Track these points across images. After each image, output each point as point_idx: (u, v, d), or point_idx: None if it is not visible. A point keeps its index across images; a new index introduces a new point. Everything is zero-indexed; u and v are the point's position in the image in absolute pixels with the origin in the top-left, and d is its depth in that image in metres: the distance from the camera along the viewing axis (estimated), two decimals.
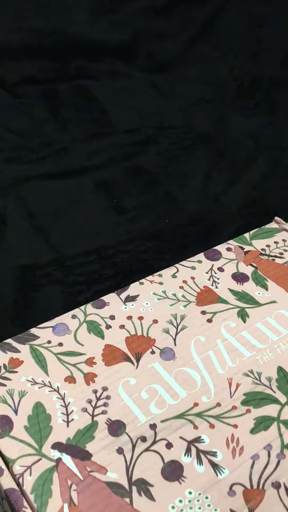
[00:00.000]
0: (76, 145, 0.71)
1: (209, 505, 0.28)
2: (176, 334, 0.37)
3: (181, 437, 0.31)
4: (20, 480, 0.29)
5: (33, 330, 0.37)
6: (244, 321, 0.38)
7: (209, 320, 0.38)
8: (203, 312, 0.39)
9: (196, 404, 0.33)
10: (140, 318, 0.38)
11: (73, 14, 0.86)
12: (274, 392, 0.34)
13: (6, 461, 0.29)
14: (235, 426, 0.32)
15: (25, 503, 0.28)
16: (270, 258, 0.44)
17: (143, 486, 0.29)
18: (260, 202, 0.66)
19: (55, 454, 0.30)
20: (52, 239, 0.57)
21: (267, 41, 0.92)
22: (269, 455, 0.31)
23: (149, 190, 0.66)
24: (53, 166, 0.67)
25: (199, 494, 0.29)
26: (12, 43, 0.80)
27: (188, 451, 0.31)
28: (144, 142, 0.73)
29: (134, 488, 0.29)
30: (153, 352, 0.36)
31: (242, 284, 0.41)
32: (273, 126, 0.79)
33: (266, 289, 0.41)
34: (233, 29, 0.93)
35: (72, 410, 0.32)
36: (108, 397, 0.33)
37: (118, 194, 0.64)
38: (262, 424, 0.32)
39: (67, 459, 0.30)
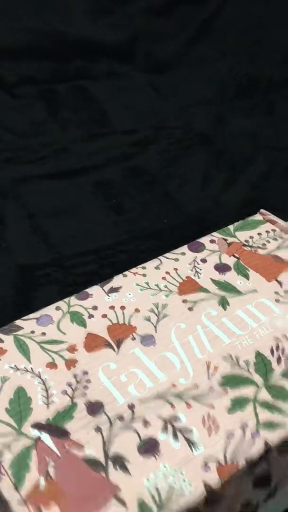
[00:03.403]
0: (75, 145, 0.71)
1: (184, 480, 0.29)
2: (157, 322, 0.38)
3: (158, 416, 0.32)
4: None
5: (18, 322, 0.38)
6: (225, 309, 0.39)
7: (190, 309, 0.39)
8: (185, 301, 0.39)
9: (174, 386, 0.34)
10: (122, 307, 0.39)
11: (72, 14, 0.86)
12: (252, 375, 0.34)
13: None
14: (212, 406, 0.33)
15: (3, 471, 0.29)
16: (253, 249, 0.44)
17: (119, 461, 0.30)
18: (259, 202, 0.66)
19: (34, 433, 0.31)
20: (51, 239, 0.57)
21: (266, 41, 0.93)
22: (244, 433, 0.31)
23: (148, 190, 0.66)
24: (52, 166, 0.67)
25: (174, 470, 0.29)
26: (11, 43, 0.81)
27: (164, 429, 0.31)
28: (143, 142, 0.73)
29: (110, 463, 0.29)
30: (133, 339, 0.36)
31: (224, 274, 0.42)
32: (272, 126, 0.79)
33: (248, 279, 0.41)
34: (232, 30, 0.93)
35: (53, 393, 0.33)
36: (88, 381, 0.34)
37: (117, 194, 0.64)
38: (238, 404, 0.33)
39: (45, 437, 0.30)
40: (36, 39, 0.81)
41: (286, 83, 0.87)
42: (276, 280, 0.41)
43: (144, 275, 0.41)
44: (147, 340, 0.36)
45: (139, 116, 0.77)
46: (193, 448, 0.30)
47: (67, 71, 0.82)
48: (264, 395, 0.33)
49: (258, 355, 0.36)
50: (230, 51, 0.90)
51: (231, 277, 0.42)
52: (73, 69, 0.82)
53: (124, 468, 0.29)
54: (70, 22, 0.85)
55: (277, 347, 0.36)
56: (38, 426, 0.31)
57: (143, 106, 0.79)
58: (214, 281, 0.41)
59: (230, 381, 0.34)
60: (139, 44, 0.87)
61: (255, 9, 0.96)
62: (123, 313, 0.38)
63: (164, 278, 0.41)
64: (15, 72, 0.79)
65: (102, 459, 0.29)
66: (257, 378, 0.34)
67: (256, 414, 0.32)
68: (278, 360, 0.36)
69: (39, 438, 0.30)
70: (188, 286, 0.41)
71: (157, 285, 0.41)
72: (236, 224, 0.47)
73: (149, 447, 0.30)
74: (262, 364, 0.35)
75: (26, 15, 0.83)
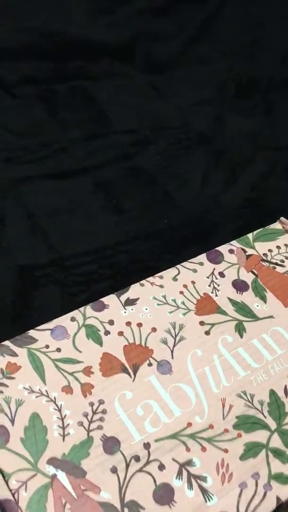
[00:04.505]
0: (75, 145, 0.71)
1: None
2: (174, 345, 0.37)
3: (173, 459, 0.31)
4: (16, 495, 0.29)
5: (31, 333, 0.36)
6: (241, 336, 0.38)
7: (207, 332, 0.38)
8: (202, 323, 0.39)
9: (189, 424, 0.33)
10: (139, 325, 0.38)
11: (72, 14, 0.86)
12: (265, 417, 0.34)
13: (2, 473, 0.29)
14: (226, 450, 0.32)
15: None
16: (271, 265, 0.44)
17: (135, 508, 0.29)
18: (258, 203, 0.66)
19: (51, 470, 0.30)
20: (51, 240, 0.57)
21: (265, 41, 0.92)
22: (256, 485, 0.31)
23: (148, 190, 0.66)
24: (52, 166, 0.67)
25: None
26: (10, 43, 0.80)
27: (179, 474, 0.31)
28: (143, 142, 0.73)
29: (126, 510, 0.29)
30: (150, 364, 0.36)
31: (242, 294, 0.41)
32: (272, 126, 0.79)
33: (265, 302, 0.41)
34: (231, 30, 0.93)
35: (68, 424, 0.32)
36: (104, 411, 0.33)
37: (117, 194, 0.64)
38: (251, 450, 0.32)
39: (62, 476, 0.30)
40: (36, 39, 0.81)
41: (286, 83, 0.87)
42: None
43: (161, 286, 0.41)
44: (164, 367, 0.36)
45: (139, 116, 0.77)
46: (206, 497, 0.30)
47: (67, 71, 0.82)
48: (277, 441, 0.33)
49: (272, 394, 0.35)
50: (230, 51, 0.90)
51: (248, 297, 0.41)
52: (73, 69, 0.82)
53: None
54: (70, 22, 0.85)
55: None
56: (54, 462, 0.30)
57: (143, 106, 0.79)
58: (231, 300, 0.41)
59: (244, 423, 0.34)
60: (139, 44, 0.87)
61: (255, 9, 0.96)
62: (140, 332, 0.37)
63: (181, 293, 0.40)
64: (14, 72, 0.79)
65: (118, 505, 0.29)
66: (271, 421, 0.34)
67: (268, 464, 0.32)
68: None
69: (55, 476, 0.30)
70: (206, 305, 0.40)
71: (174, 301, 0.40)
72: (255, 233, 0.46)
73: (164, 494, 0.30)
74: (276, 406, 0.35)
75: (26, 15, 0.83)
